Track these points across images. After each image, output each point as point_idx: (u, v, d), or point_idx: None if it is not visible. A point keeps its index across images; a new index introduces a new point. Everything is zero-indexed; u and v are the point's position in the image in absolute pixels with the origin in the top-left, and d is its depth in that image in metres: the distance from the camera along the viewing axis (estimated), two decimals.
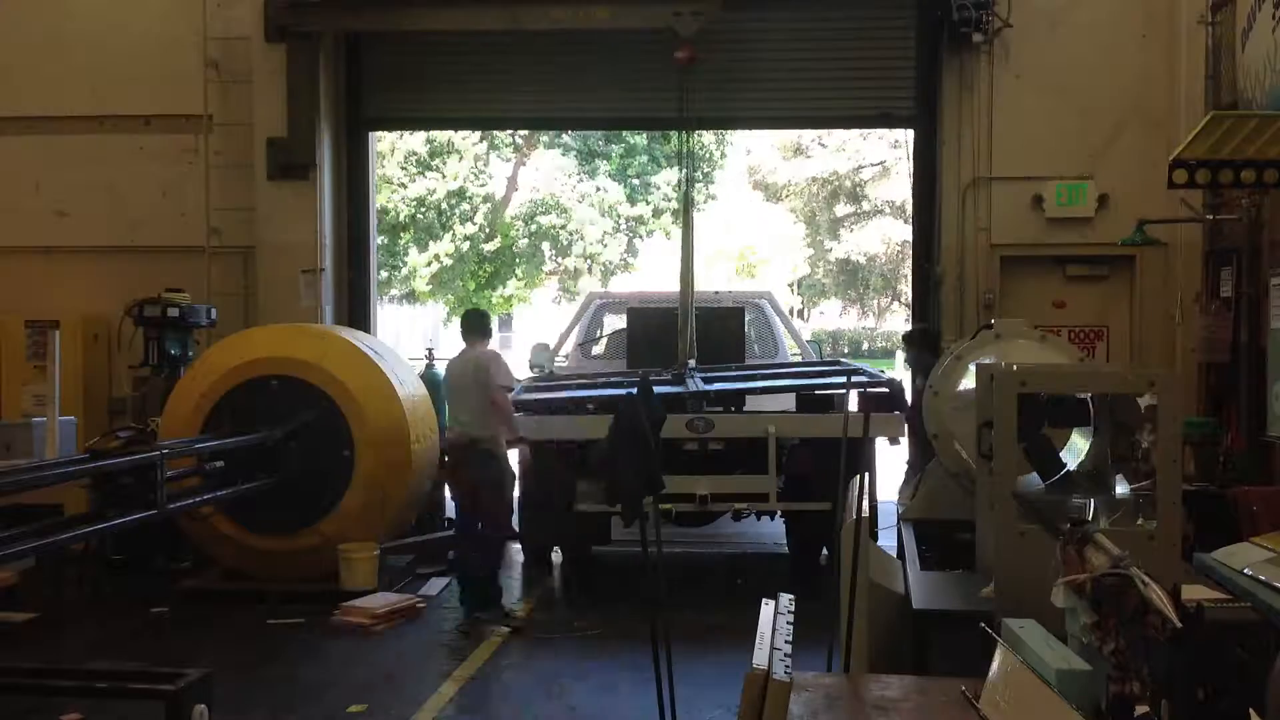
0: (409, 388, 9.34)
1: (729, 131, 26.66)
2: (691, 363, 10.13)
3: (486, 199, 25.76)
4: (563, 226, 26.09)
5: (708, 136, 26.22)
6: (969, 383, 5.50)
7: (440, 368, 9.98)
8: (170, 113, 10.76)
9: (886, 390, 9.47)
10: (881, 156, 35.23)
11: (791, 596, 3.33)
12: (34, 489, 6.75)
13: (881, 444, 9.27)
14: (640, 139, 26.07)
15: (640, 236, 28.64)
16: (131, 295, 9.85)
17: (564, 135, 25.87)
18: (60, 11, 11.03)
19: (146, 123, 10.88)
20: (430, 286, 25.90)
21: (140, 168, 10.87)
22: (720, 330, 10.88)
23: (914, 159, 11.28)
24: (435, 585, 9.15)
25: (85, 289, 10.68)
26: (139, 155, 10.85)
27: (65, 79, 10.90)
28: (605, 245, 26.42)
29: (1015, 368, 4.65)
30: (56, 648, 7.44)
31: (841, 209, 39.89)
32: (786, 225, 39.19)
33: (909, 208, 13.38)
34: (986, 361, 5.43)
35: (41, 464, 7.39)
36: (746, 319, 11.92)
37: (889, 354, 39.17)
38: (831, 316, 46.50)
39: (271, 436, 8.48)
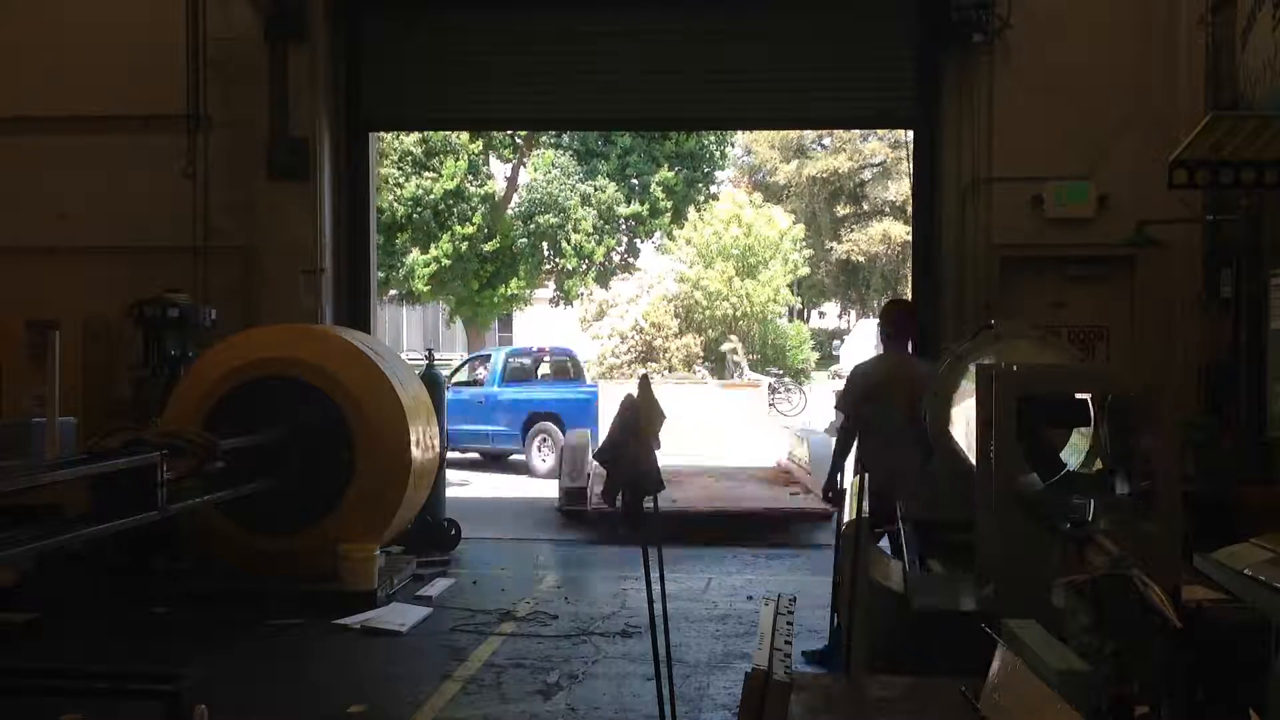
0: (409, 388, 9.34)
1: (729, 132, 26.72)
2: None
3: (485, 199, 25.70)
4: (560, 226, 26.05)
5: (709, 136, 26.21)
6: (969, 383, 5.50)
7: (440, 368, 9.89)
8: (170, 113, 10.72)
9: None
10: (882, 156, 35.24)
11: (793, 596, 3.33)
12: (33, 490, 6.73)
13: None
14: (640, 139, 26.02)
15: (640, 237, 28.58)
16: (131, 295, 9.85)
17: (563, 135, 25.86)
18: (60, 12, 11.01)
19: (146, 123, 10.85)
20: (429, 287, 25.86)
21: (140, 168, 10.83)
22: None
23: (914, 159, 11.28)
24: (437, 585, 9.15)
25: (85, 289, 10.65)
26: (139, 155, 10.82)
27: (65, 79, 10.88)
28: (599, 241, 26.31)
29: (1015, 368, 4.65)
30: (56, 648, 7.44)
31: (841, 209, 39.93)
32: (787, 226, 39.16)
33: (909, 208, 13.38)
34: (986, 362, 5.42)
35: (41, 464, 7.38)
36: None
37: None
38: (831, 318, 46.54)
39: (271, 437, 8.48)
